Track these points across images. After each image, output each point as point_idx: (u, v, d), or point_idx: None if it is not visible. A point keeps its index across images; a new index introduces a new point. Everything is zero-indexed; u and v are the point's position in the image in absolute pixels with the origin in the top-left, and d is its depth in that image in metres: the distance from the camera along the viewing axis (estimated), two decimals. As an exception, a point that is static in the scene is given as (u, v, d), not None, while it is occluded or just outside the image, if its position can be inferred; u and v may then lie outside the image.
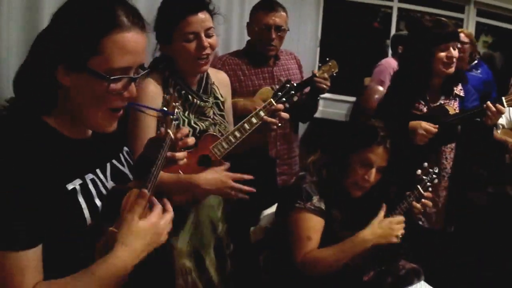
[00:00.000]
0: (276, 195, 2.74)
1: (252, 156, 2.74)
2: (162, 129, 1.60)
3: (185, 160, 1.67)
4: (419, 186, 2.30)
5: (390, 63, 4.98)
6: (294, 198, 2.27)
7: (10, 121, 1.22)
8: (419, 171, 2.31)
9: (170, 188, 1.92)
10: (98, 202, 1.30)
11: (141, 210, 1.25)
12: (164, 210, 1.31)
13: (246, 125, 2.12)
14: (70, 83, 1.20)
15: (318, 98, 3.12)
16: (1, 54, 2.12)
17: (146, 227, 1.23)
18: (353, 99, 5.50)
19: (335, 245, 2.18)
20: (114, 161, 1.45)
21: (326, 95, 6.00)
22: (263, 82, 3.00)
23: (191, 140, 1.67)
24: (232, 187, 2.06)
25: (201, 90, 2.19)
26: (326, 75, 2.90)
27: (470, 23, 6.80)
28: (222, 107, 2.28)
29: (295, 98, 2.25)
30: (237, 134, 2.12)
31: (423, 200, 2.30)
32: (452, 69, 2.68)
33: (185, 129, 1.68)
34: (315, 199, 2.25)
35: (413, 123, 2.66)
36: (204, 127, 2.15)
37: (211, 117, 2.22)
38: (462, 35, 4.86)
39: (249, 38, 3.11)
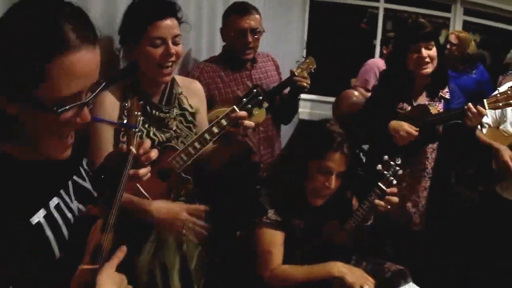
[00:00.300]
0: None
1: (235, 162, 2.70)
2: (124, 146, 1.48)
3: (148, 175, 1.56)
4: (379, 183, 2.21)
5: (376, 63, 5.01)
6: (250, 213, 2.25)
7: None
8: (379, 166, 2.22)
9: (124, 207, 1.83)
10: (65, 232, 1.20)
11: (118, 262, 1.16)
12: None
13: (206, 135, 1.98)
14: (16, 112, 1.05)
15: (299, 98, 3.07)
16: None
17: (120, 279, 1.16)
18: (362, 97, 5.47)
19: (305, 266, 2.16)
20: (75, 178, 1.32)
21: (313, 96, 6.04)
22: (242, 87, 2.90)
23: (154, 154, 1.55)
24: (187, 220, 1.96)
25: (164, 101, 2.11)
26: (305, 73, 2.86)
27: (457, 22, 6.84)
28: (190, 118, 2.19)
29: (266, 105, 2.08)
30: (197, 145, 1.98)
31: (387, 196, 2.21)
32: (427, 70, 2.67)
33: (147, 142, 1.56)
34: (271, 212, 2.19)
35: (395, 123, 2.66)
36: (164, 138, 2.06)
37: (174, 129, 2.12)
38: (452, 37, 4.91)
39: (221, 44, 3.07)
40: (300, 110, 3.67)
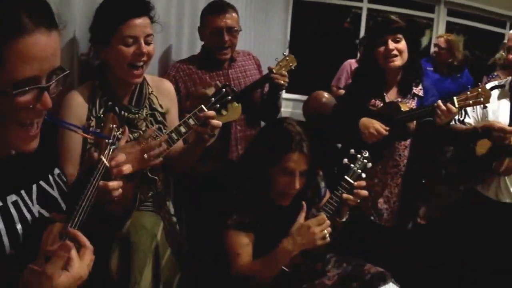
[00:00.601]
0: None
1: (211, 161, 2.76)
2: (95, 154, 1.44)
3: (120, 191, 1.51)
4: (346, 177, 2.19)
5: (350, 63, 5.14)
6: (218, 217, 2.24)
7: None
8: (345, 160, 2.20)
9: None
10: (19, 227, 1.19)
11: (62, 263, 1.12)
12: (82, 247, 1.19)
13: (173, 135, 1.97)
14: None
15: (279, 95, 3.05)
16: None
17: (67, 282, 1.12)
18: (332, 98, 5.50)
19: (261, 258, 2.14)
20: (41, 183, 1.31)
21: (296, 96, 6.06)
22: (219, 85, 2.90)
23: (127, 168, 1.52)
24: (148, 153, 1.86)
25: (134, 102, 2.08)
26: (283, 71, 2.83)
27: (440, 23, 6.90)
28: (160, 118, 2.17)
29: (235, 105, 2.17)
30: (165, 145, 1.95)
31: (355, 190, 2.18)
32: (395, 63, 2.68)
33: (121, 156, 1.52)
34: (236, 214, 2.19)
35: (365, 120, 2.67)
36: (132, 139, 2.00)
37: (143, 129, 2.08)
38: (441, 40, 4.98)
39: (202, 43, 3.04)
40: (282, 109, 3.66)
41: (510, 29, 2.87)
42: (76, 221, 1.24)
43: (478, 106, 2.69)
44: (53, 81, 1.10)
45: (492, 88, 2.90)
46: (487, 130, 2.68)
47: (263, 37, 4.85)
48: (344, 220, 2.25)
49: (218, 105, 2.03)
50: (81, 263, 1.15)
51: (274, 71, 2.81)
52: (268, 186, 2.19)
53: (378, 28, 2.80)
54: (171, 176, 2.37)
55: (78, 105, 1.94)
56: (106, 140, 1.44)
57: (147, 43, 1.97)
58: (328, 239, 2.10)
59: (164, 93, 2.23)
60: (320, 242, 2.08)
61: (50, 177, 1.35)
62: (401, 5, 6.95)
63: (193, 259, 2.36)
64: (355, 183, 2.18)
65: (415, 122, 2.69)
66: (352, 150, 2.20)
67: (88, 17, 2.04)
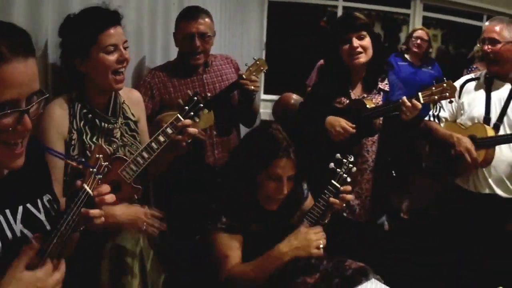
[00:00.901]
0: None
1: (188, 165, 2.80)
2: (79, 182, 1.47)
3: (102, 219, 1.53)
4: (333, 181, 2.22)
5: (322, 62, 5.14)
6: (205, 220, 2.26)
7: None
8: (331, 164, 2.23)
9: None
10: None
11: (27, 260, 1.22)
12: (55, 269, 1.28)
13: (153, 145, 2.04)
14: None
15: (252, 100, 3.05)
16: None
17: (29, 279, 1.21)
18: (300, 99, 5.53)
19: (254, 260, 2.16)
20: (28, 205, 1.39)
21: (274, 96, 6.07)
22: (191, 92, 2.90)
23: (110, 198, 1.53)
24: (146, 222, 2.05)
25: (110, 112, 2.15)
26: (254, 76, 2.87)
27: (416, 18, 6.96)
28: (133, 127, 2.24)
29: (206, 111, 2.20)
30: (145, 154, 2.04)
31: (341, 194, 2.22)
32: (359, 60, 2.71)
33: (106, 187, 1.54)
34: (224, 217, 2.21)
35: (331, 118, 2.70)
36: (112, 150, 2.10)
37: (119, 138, 2.16)
38: (423, 33, 5.09)
39: (176, 50, 3.08)
40: (261, 110, 3.68)
41: (487, 22, 2.90)
42: (54, 243, 1.29)
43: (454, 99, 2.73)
44: (33, 104, 1.20)
45: (467, 81, 2.97)
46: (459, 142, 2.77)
47: (239, 39, 4.88)
48: (326, 222, 2.28)
49: (192, 113, 2.11)
50: (49, 278, 1.25)
51: (244, 76, 2.84)
52: (255, 191, 2.23)
53: (341, 26, 2.81)
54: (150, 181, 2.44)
55: (58, 117, 2.00)
56: (91, 169, 1.47)
57: (125, 49, 2.06)
58: (322, 251, 2.14)
59: (134, 102, 2.31)
60: (314, 251, 2.13)
61: (39, 201, 1.44)
62: (376, 2, 7.00)
63: (174, 261, 2.38)
64: (341, 188, 2.22)
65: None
66: (338, 155, 2.24)
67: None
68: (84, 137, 2.03)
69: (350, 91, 2.83)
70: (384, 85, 2.85)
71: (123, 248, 2.07)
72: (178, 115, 2.08)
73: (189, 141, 2.13)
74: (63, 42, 2.05)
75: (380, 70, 2.85)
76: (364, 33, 2.71)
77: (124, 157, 2.06)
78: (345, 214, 2.83)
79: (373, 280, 2.21)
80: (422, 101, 2.53)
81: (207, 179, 2.84)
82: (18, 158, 1.25)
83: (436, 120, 3.00)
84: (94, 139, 2.06)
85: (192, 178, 2.79)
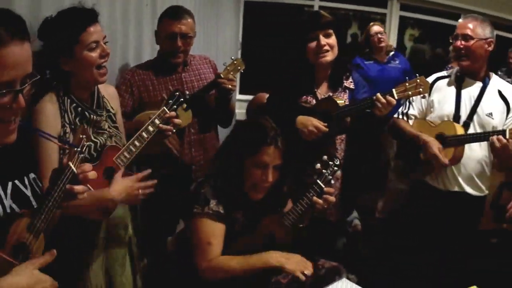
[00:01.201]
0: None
1: (164, 164, 2.85)
2: (65, 160, 1.63)
3: (85, 195, 1.69)
4: (318, 181, 2.29)
5: None
6: (192, 204, 2.28)
7: None
8: (318, 165, 2.30)
9: (86, 208, 2.00)
10: None
11: (42, 263, 1.39)
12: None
13: (144, 134, 2.25)
14: None
15: (229, 99, 3.13)
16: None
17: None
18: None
19: (241, 256, 2.22)
20: (17, 182, 1.51)
21: (249, 97, 6.07)
22: (172, 89, 2.91)
23: (92, 175, 1.69)
24: (139, 187, 2.18)
25: (95, 105, 2.29)
26: (231, 75, 2.95)
27: (393, 17, 7.02)
28: (114, 119, 2.39)
29: (184, 105, 2.42)
30: (137, 143, 2.23)
31: (324, 195, 2.29)
32: (326, 58, 2.74)
33: (88, 166, 1.70)
34: (213, 203, 2.26)
35: (302, 118, 2.72)
36: (103, 140, 2.24)
37: (107, 130, 2.30)
38: (380, 29, 5.17)
39: (149, 53, 3.19)
40: (237, 111, 3.71)
41: (460, 19, 2.94)
42: (42, 217, 1.48)
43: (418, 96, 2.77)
44: (26, 84, 1.31)
45: (438, 79, 3.00)
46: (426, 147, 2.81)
47: (215, 39, 4.89)
48: (303, 225, 2.32)
49: (175, 106, 2.36)
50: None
51: (221, 75, 2.93)
52: (242, 178, 2.29)
53: (308, 23, 2.82)
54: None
55: (51, 113, 2.11)
56: (75, 149, 1.63)
57: (105, 44, 2.19)
58: (304, 278, 2.20)
59: (111, 96, 2.44)
60: (298, 273, 2.21)
61: (26, 179, 1.57)
62: (353, 1, 7.05)
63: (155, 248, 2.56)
64: (325, 189, 2.29)
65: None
66: (325, 157, 2.30)
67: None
68: (84, 126, 2.16)
69: (316, 90, 2.85)
70: (349, 83, 2.88)
71: (114, 236, 2.32)
72: (164, 107, 2.32)
73: (174, 131, 2.38)
74: (44, 45, 2.14)
75: (345, 68, 2.88)
76: (331, 31, 2.74)
77: (118, 146, 2.26)
78: (315, 214, 2.86)
79: (343, 279, 2.25)
80: (396, 97, 2.57)
81: (183, 177, 2.99)
82: (12, 134, 1.35)
83: (405, 118, 3.02)
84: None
85: (168, 176, 2.85)
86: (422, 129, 2.92)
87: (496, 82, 2.92)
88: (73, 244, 2.15)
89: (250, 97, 6.18)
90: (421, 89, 2.56)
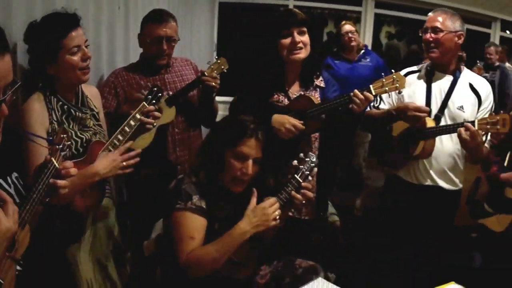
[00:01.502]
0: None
1: (151, 163, 2.88)
2: (48, 156, 1.73)
3: (66, 190, 1.79)
4: (297, 176, 2.31)
5: None
6: (174, 199, 2.29)
7: None
8: (295, 162, 2.32)
9: (75, 187, 2.07)
10: None
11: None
12: (5, 203, 1.45)
13: (126, 128, 2.39)
14: None
15: (213, 98, 3.23)
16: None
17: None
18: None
19: (215, 241, 2.20)
20: (0, 181, 1.64)
21: (227, 98, 6.06)
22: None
23: (73, 171, 1.80)
24: (122, 159, 2.30)
25: (80, 103, 2.41)
26: (215, 73, 3.04)
27: (368, 15, 7.08)
28: (97, 117, 2.52)
29: (164, 101, 2.63)
30: (120, 137, 2.37)
31: (302, 190, 2.30)
32: (299, 55, 2.76)
33: (69, 163, 1.81)
34: (195, 198, 2.27)
35: (278, 117, 2.72)
36: (89, 136, 2.38)
37: (92, 127, 2.44)
38: (351, 26, 5.21)
39: (121, 59, 3.26)
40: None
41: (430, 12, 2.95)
42: (28, 208, 1.56)
43: (392, 92, 2.77)
44: (8, 93, 1.36)
45: (408, 73, 3.01)
46: (402, 111, 2.80)
47: (189, 41, 4.90)
48: (279, 225, 2.32)
49: (154, 101, 2.52)
50: (7, 217, 1.40)
51: (205, 73, 3.03)
52: (223, 170, 2.32)
53: (283, 20, 2.83)
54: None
55: (39, 111, 2.23)
56: (57, 146, 1.76)
57: (86, 47, 2.31)
58: (279, 221, 2.23)
59: (94, 96, 2.58)
60: (272, 223, 2.21)
61: (8, 178, 1.69)
62: (327, 0, 7.09)
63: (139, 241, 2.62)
64: (303, 183, 2.30)
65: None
66: (301, 154, 2.32)
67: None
68: (65, 126, 2.24)
69: (287, 88, 2.86)
70: (319, 82, 2.91)
71: (100, 230, 2.48)
72: (144, 102, 2.48)
73: (155, 125, 2.54)
74: (29, 49, 2.25)
75: (317, 67, 2.91)
76: (305, 29, 2.77)
77: (103, 141, 2.41)
78: (290, 214, 2.85)
79: (320, 279, 2.25)
80: (374, 93, 2.61)
81: (169, 175, 3.01)
82: None
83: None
84: (70, 127, 2.32)
85: (154, 175, 2.97)
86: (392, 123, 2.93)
87: (467, 75, 2.94)
88: (61, 237, 2.25)
89: (227, 99, 6.20)
90: (397, 85, 2.61)
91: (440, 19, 2.85)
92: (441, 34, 2.81)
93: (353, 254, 3.44)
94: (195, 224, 2.25)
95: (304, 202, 2.33)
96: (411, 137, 2.83)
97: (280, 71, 2.84)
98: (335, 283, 2.26)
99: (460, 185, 2.98)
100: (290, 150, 2.41)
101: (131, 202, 3.23)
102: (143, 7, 3.57)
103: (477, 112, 2.86)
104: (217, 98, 3.35)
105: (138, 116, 2.43)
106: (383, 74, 2.68)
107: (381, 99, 2.99)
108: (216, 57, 3.09)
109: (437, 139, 2.81)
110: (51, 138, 1.89)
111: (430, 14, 2.95)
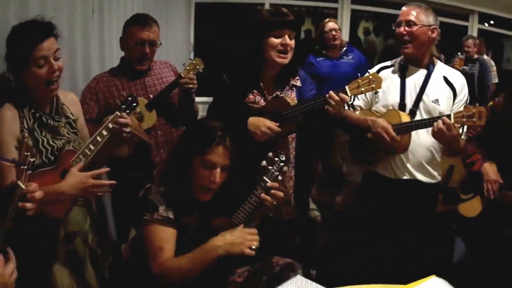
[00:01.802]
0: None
1: (135, 165, 2.98)
2: (14, 179, 1.76)
3: (33, 211, 1.82)
4: (265, 177, 2.31)
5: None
6: (142, 211, 2.29)
7: None
8: (264, 162, 2.31)
9: (43, 202, 2.03)
10: None
11: None
12: (7, 259, 1.54)
13: (98, 138, 2.35)
14: None
15: (192, 99, 3.26)
16: None
17: None
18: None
19: (188, 253, 2.21)
20: None
21: (205, 98, 6.06)
22: (135, 94, 3.10)
23: (38, 194, 1.84)
24: (94, 185, 2.26)
25: (54, 111, 2.40)
26: (191, 74, 3.07)
27: (345, 11, 7.10)
28: (74, 125, 2.49)
29: (138, 110, 2.58)
30: (92, 147, 2.33)
31: (271, 191, 2.31)
32: (286, 60, 2.74)
33: (34, 185, 1.84)
34: (161, 209, 2.26)
35: (254, 119, 2.71)
36: (61, 145, 2.35)
37: (65, 135, 2.41)
38: (334, 24, 5.20)
39: (97, 65, 3.31)
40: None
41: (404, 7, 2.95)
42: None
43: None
44: None
45: (381, 69, 3.02)
46: (373, 126, 2.80)
47: (165, 42, 4.86)
48: (254, 224, 2.33)
49: (128, 111, 2.47)
50: (6, 270, 1.49)
51: (182, 75, 3.06)
52: (190, 180, 2.32)
53: (277, 19, 2.76)
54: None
55: (10, 120, 2.23)
56: (22, 167, 1.75)
57: (56, 59, 2.25)
58: (254, 252, 2.19)
59: (72, 102, 2.56)
60: (246, 250, 2.17)
61: None
62: (303, -3, 7.12)
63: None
64: (269, 184, 2.30)
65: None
66: (270, 154, 2.32)
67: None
68: (36, 134, 2.27)
69: (263, 88, 2.84)
70: (296, 81, 2.90)
71: (74, 233, 2.46)
72: (117, 112, 2.42)
73: (129, 134, 2.47)
74: (6, 56, 2.24)
75: (295, 70, 2.89)
76: (294, 33, 2.75)
77: (74, 149, 2.37)
78: (271, 214, 2.84)
79: (298, 276, 2.24)
80: (349, 94, 2.61)
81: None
82: None
83: (351, 109, 3.03)
84: (42, 135, 2.31)
85: (139, 177, 2.87)
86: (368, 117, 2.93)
87: (441, 68, 2.94)
88: (35, 245, 2.20)
89: (206, 99, 6.19)
90: (373, 85, 2.62)
91: (414, 12, 2.86)
92: (415, 28, 2.81)
93: (334, 250, 3.44)
94: (163, 236, 2.25)
95: (275, 203, 2.32)
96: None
97: (257, 71, 2.82)
98: (316, 279, 2.26)
99: (439, 178, 2.99)
100: (267, 152, 2.38)
101: (116, 204, 3.28)
102: (117, 10, 3.55)
103: (453, 104, 2.86)
104: (197, 99, 3.37)
105: (110, 126, 2.39)
106: (359, 74, 2.68)
107: (355, 96, 2.97)
108: (191, 58, 3.11)
109: (414, 133, 2.81)
110: (15, 159, 1.86)
111: (403, 8, 2.96)
